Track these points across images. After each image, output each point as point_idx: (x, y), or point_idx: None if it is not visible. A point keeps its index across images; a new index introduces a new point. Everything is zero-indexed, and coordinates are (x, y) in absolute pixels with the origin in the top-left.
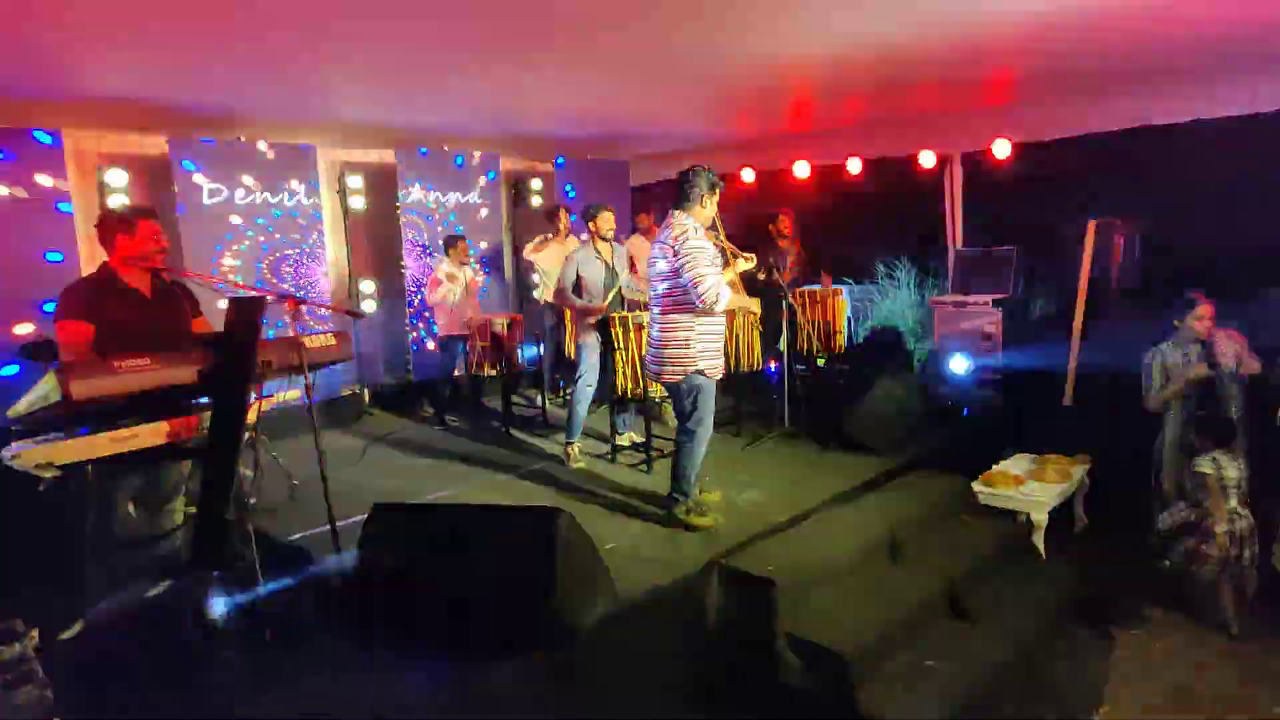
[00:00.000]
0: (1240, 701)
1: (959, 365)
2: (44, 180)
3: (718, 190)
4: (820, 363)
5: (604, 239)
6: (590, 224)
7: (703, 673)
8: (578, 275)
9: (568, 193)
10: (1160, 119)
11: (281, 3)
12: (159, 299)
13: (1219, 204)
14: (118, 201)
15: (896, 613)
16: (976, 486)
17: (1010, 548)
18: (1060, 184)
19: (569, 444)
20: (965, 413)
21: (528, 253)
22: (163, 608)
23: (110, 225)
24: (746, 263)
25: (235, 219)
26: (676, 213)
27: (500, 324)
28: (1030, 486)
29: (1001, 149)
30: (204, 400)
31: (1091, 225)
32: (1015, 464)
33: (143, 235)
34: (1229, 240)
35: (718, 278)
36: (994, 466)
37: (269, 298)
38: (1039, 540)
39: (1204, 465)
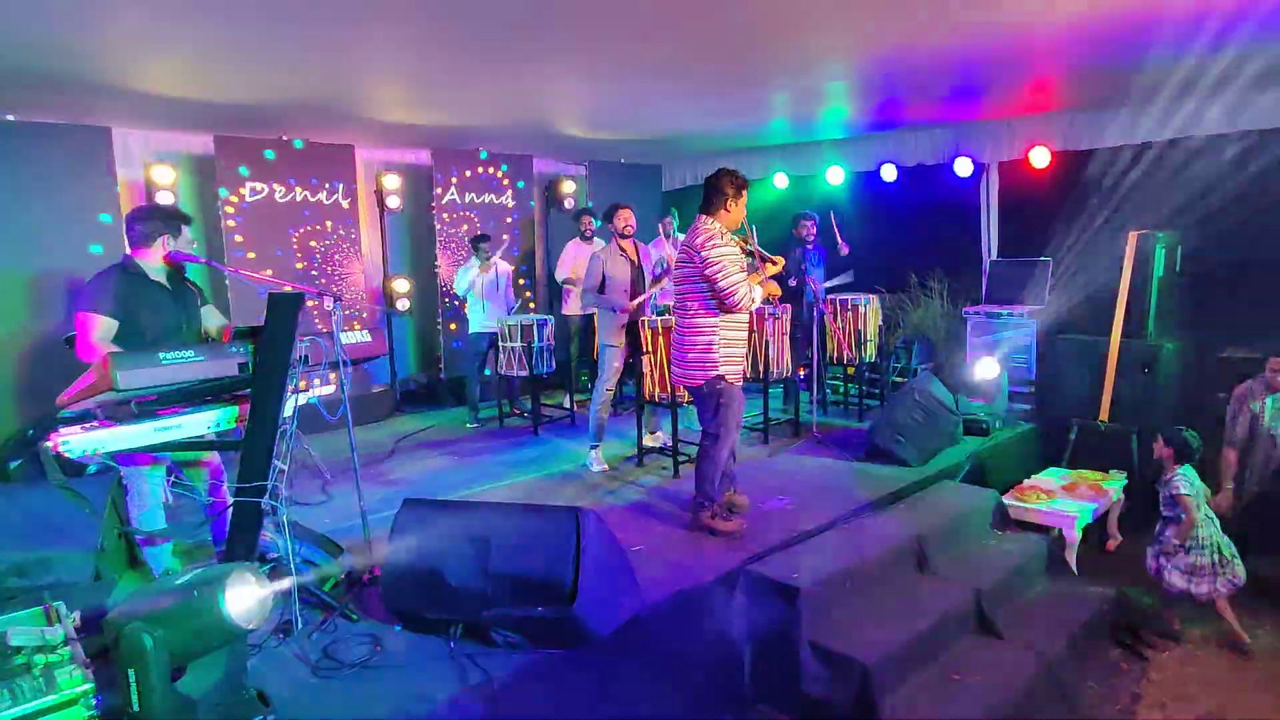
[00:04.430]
0: None
1: (991, 377)
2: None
3: (744, 193)
4: (850, 371)
5: (624, 237)
6: (610, 223)
7: (725, 679)
8: (603, 275)
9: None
10: (1201, 130)
11: (324, 6)
12: (177, 292)
13: (1265, 217)
14: (165, 198)
15: (923, 624)
16: (1008, 500)
17: (1041, 563)
18: (1101, 194)
19: (592, 448)
20: (998, 425)
21: (563, 278)
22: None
23: (156, 224)
24: (774, 266)
25: (275, 216)
26: (703, 217)
27: (530, 324)
28: (1063, 502)
29: (1040, 158)
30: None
31: (1133, 237)
32: (1048, 479)
33: (184, 239)
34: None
35: (747, 284)
36: (1026, 480)
37: (307, 294)
38: (1071, 557)
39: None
